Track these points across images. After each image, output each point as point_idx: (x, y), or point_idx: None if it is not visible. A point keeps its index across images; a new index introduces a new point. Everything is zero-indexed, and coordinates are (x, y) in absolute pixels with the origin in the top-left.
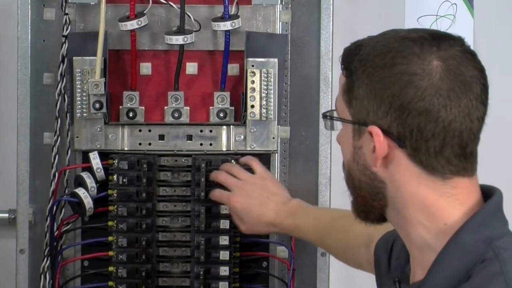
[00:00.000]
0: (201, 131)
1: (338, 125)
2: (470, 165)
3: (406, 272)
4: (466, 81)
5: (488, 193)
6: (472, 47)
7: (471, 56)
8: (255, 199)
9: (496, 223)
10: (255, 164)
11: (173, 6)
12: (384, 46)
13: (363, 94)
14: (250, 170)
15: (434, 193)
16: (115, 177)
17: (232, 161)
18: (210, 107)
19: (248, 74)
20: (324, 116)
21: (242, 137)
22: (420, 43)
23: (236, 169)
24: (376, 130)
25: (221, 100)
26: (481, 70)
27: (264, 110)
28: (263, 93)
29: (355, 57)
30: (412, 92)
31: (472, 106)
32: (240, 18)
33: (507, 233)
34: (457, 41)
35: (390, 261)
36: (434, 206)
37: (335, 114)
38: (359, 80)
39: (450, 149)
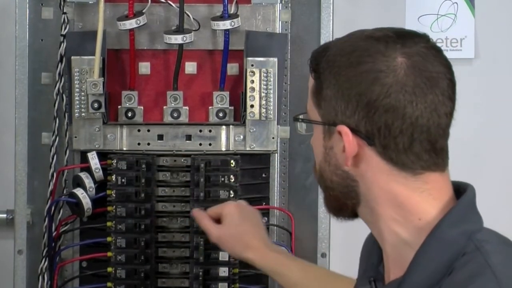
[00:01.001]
0: (200, 131)
1: (312, 127)
2: (441, 160)
3: (380, 271)
4: (431, 76)
5: (459, 189)
6: (473, 46)
7: (436, 52)
8: (250, 220)
9: (473, 218)
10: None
11: (172, 5)
12: (350, 45)
13: (331, 95)
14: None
15: (406, 189)
16: (113, 177)
17: (232, 161)
18: (210, 107)
19: (248, 74)
20: (295, 119)
21: (242, 137)
22: (385, 41)
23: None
24: (345, 130)
25: (221, 100)
26: (447, 66)
27: (263, 110)
28: (263, 92)
29: (322, 59)
30: (378, 89)
31: (439, 101)
32: (239, 17)
33: (483, 226)
34: (422, 38)
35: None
36: (407, 202)
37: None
38: (326, 81)
39: (419, 145)
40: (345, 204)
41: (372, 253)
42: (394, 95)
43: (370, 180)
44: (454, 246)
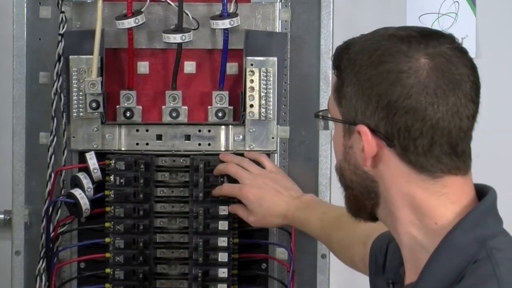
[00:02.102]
0: (200, 131)
1: (332, 124)
2: (462, 163)
3: (400, 274)
4: (454, 79)
5: (482, 192)
6: (474, 46)
7: (461, 53)
8: (268, 191)
9: (490, 222)
10: (265, 159)
11: (171, 4)
12: (372, 44)
13: (351, 93)
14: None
15: (424, 192)
16: (112, 177)
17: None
18: (209, 107)
19: (247, 73)
20: (316, 115)
21: (241, 137)
22: (408, 41)
23: (246, 163)
24: (364, 130)
25: (220, 100)
26: (471, 68)
27: (263, 110)
28: (262, 92)
29: (345, 56)
30: (399, 90)
31: (461, 104)
32: (239, 16)
33: (502, 232)
34: (447, 39)
35: (385, 263)
36: (425, 206)
37: (329, 114)
38: (348, 79)
39: (439, 148)
40: (365, 204)
41: (394, 256)
42: (415, 96)
43: (389, 182)
44: (466, 252)
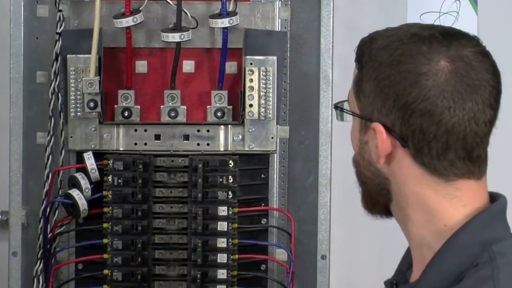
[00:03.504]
0: (198, 130)
1: (348, 117)
2: (477, 168)
3: (406, 276)
4: (473, 83)
5: (493, 199)
6: None
7: (483, 57)
8: None
9: (497, 226)
10: None
11: (169, 3)
12: (394, 42)
13: (370, 89)
14: None
15: (436, 194)
16: (110, 178)
17: (231, 162)
18: (208, 106)
19: (247, 73)
20: (335, 107)
21: (240, 137)
22: (429, 42)
23: None
24: (379, 128)
25: (219, 99)
26: (493, 73)
27: (262, 109)
28: (262, 91)
29: (367, 51)
30: (416, 92)
31: (478, 109)
32: (238, 15)
33: (509, 237)
34: (470, 41)
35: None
36: (436, 207)
37: (345, 106)
38: (367, 74)
39: (454, 152)
40: (378, 201)
41: (405, 260)
42: (432, 99)
43: (401, 181)
44: (469, 253)
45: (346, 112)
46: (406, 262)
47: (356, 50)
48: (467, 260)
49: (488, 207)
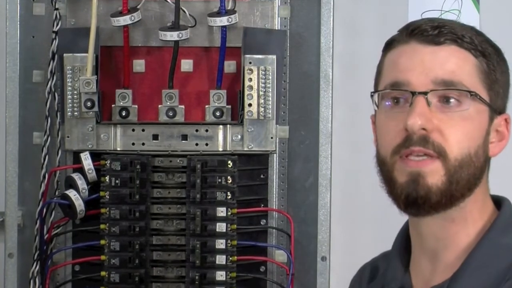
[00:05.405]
0: (197, 130)
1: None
2: None
3: (407, 280)
4: None
5: (498, 201)
6: None
7: None
8: None
9: None
10: None
11: (167, 1)
12: None
13: (502, 81)
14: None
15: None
16: (107, 178)
17: (229, 162)
18: (206, 106)
19: (246, 72)
20: (474, 94)
21: (239, 137)
22: None
23: None
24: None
25: (217, 99)
26: None
27: (262, 109)
28: (261, 91)
29: (488, 43)
30: None
31: None
32: (237, 13)
33: None
34: None
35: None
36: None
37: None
38: (499, 67)
39: None
40: (462, 194)
41: (390, 266)
42: None
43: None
44: (508, 252)
45: (483, 101)
46: (397, 268)
47: (468, 37)
48: (509, 259)
49: (502, 209)
